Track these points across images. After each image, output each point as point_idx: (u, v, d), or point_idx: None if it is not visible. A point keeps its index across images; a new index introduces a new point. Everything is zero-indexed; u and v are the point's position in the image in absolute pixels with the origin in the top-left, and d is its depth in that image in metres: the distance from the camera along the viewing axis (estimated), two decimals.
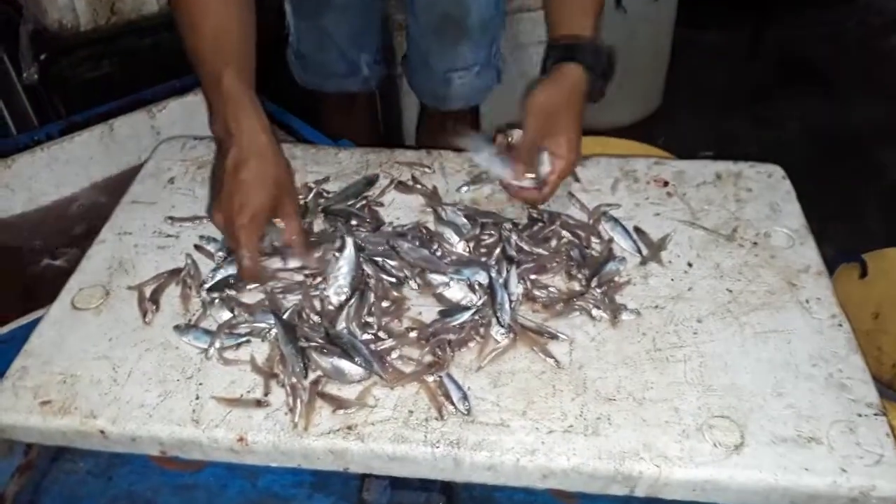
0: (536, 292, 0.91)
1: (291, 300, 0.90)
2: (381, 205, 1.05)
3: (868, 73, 3.01)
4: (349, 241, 0.92)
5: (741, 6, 3.31)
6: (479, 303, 0.88)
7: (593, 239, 0.99)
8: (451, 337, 0.85)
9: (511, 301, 0.87)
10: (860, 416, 0.78)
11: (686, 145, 2.61)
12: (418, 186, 1.07)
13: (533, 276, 0.92)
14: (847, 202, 2.28)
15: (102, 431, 0.78)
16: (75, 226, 1.36)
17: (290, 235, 0.89)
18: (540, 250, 0.96)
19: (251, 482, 0.82)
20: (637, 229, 1.00)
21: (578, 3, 1.03)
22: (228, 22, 0.91)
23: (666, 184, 1.08)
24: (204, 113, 1.54)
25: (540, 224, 1.00)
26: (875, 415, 0.78)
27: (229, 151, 0.86)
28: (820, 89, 2.94)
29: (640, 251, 0.97)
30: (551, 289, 0.91)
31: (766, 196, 1.06)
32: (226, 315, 0.88)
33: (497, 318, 0.85)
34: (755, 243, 0.98)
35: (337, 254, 0.92)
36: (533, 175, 0.97)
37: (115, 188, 1.10)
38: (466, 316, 0.86)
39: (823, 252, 0.98)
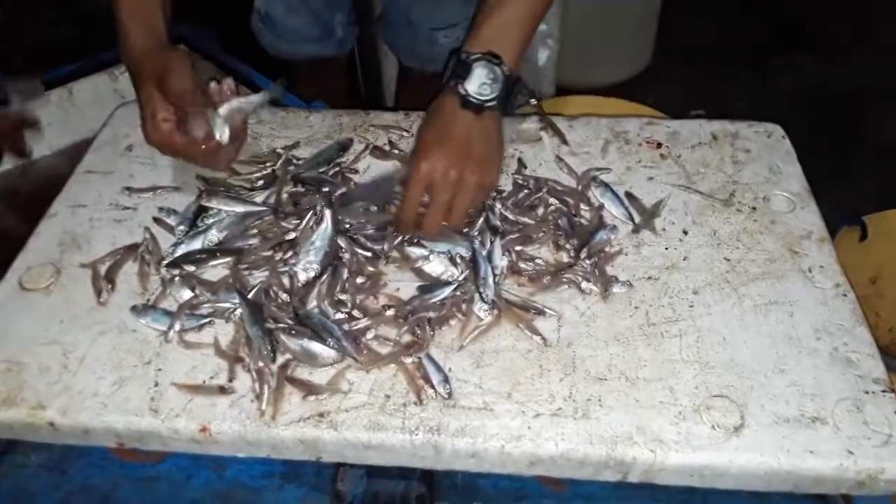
0: (522, 265, 0.85)
1: (258, 277, 0.84)
2: (356, 172, 0.98)
3: (863, 30, 2.93)
4: (327, 214, 0.85)
5: None
6: (461, 277, 0.82)
7: (582, 206, 0.92)
8: (431, 315, 0.79)
9: (495, 275, 0.81)
10: (867, 393, 0.73)
11: (676, 104, 2.54)
12: (395, 152, 0.99)
13: (518, 248, 0.86)
14: (840, 163, 2.22)
15: (52, 424, 0.72)
16: (31, 198, 1.28)
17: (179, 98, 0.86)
18: (526, 219, 0.89)
19: (217, 473, 0.77)
20: (629, 195, 0.94)
21: (507, 18, 0.87)
22: None
23: (659, 145, 1.01)
24: None
25: (526, 191, 0.93)
26: (883, 391, 0.73)
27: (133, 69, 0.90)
28: (813, 46, 2.86)
29: (632, 218, 0.91)
30: (538, 261, 0.85)
31: (765, 157, 0.99)
32: (187, 294, 0.81)
33: (480, 293, 0.79)
34: (754, 208, 0.92)
35: (314, 227, 0.85)
36: None
37: (77, 157, 1.02)
38: (447, 292, 0.80)
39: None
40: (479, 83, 0.84)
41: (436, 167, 0.82)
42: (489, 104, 0.84)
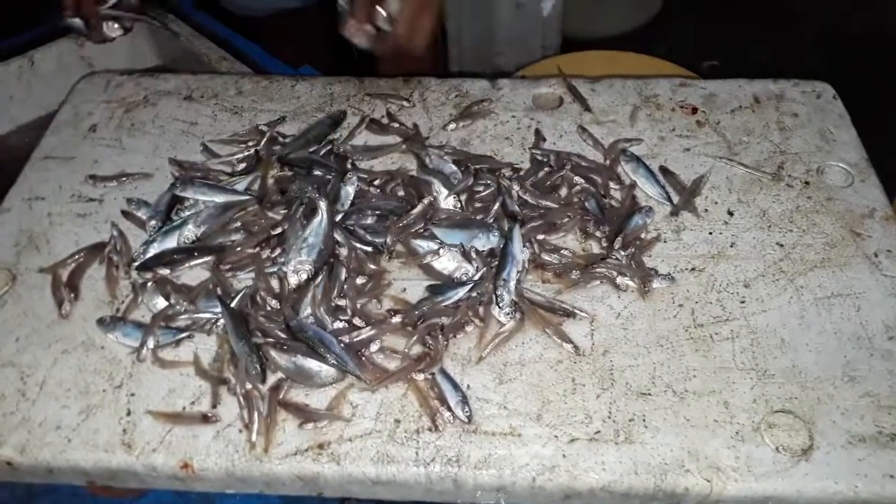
0: (546, 257, 0.73)
1: (243, 280, 0.73)
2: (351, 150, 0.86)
3: None
4: (322, 205, 0.73)
5: None
6: (477, 276, 0.71)
7: (612, 185, 0.81)
8: (445, 321, 0.68)
9: (517, 272, 0.70)
10: None
11: (690, 54, 2.39)
12: (395, 125, 0.87)
13: (541, 237, 0.75)
14: (877, 112, 2.08)
15: (9, 463, 0.62)
16: None
17: None
18: (548, 203, 0.78)
19: None
20: (664, 170, 0.82)
21: None
22: None
23: (695, 110, 0.89)
24: (141, 40, 1.34)
25: (546, 169, 0.81)
26: None
27: None
28: None
29: (669, 198, 0.79)
30: (564, 252, 0.74)
31: (815, 122, 0.88)
32: (161, 303, 0.70)
33: (497, 295, 0.68)
34: (807, 183, 0.81)
35: (305, 219, 0.74)
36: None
37: (38, 137, 0.90)
38: (462, 293, 0.69)
39: None
40: None
41: None
42: None
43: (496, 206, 0.76)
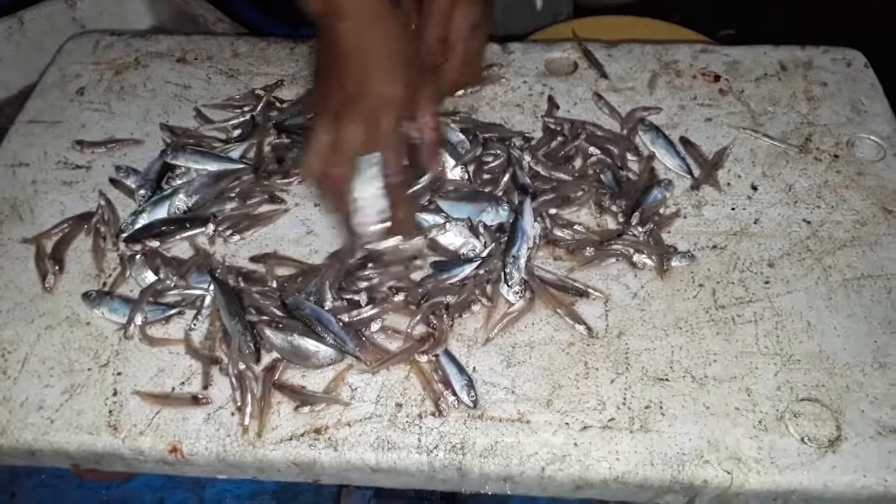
0: (558, 232, 0.69)
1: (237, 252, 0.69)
2: None
3: None
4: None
5: None
6: (485, 252, 0.67)
7: (629, 156, 0.76)
8: (450, 299, 0.64)
9: (527, 248, 0.66)
10: None
11: (705, 21, 2.31)
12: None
13: (553, 211, 0.71)
14: None
15: None
16: None
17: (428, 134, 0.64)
18: (561, 175, 0.73)
19: (196, 493, 0.64)
20: (684, 140, 0.78)
21: None
22: None
23: (717, 78, 0.84)
24: (138, 3, 1.29)
25: (560, 139, 0.77)
26: None
27: (336, 27, 0.60)
28: None
29: (689, 171, 0.75)
30: (577, 227, 0.70)
31: (845, 92, 0.82)
32: (150, 277, 0.67)
33: (506, 273, 0.64)
34: (836, 156, 0.76)
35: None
36: None
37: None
38: (468, 270, 0.65)
39: None
40: None
41: None
42: None
43: (506, 178, 0.72)
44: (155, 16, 1.28)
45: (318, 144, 0.61)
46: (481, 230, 0.68)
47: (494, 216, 0.69)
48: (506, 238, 0.67)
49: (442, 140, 0.69)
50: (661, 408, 0.59)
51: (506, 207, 0.69)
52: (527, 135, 0.78)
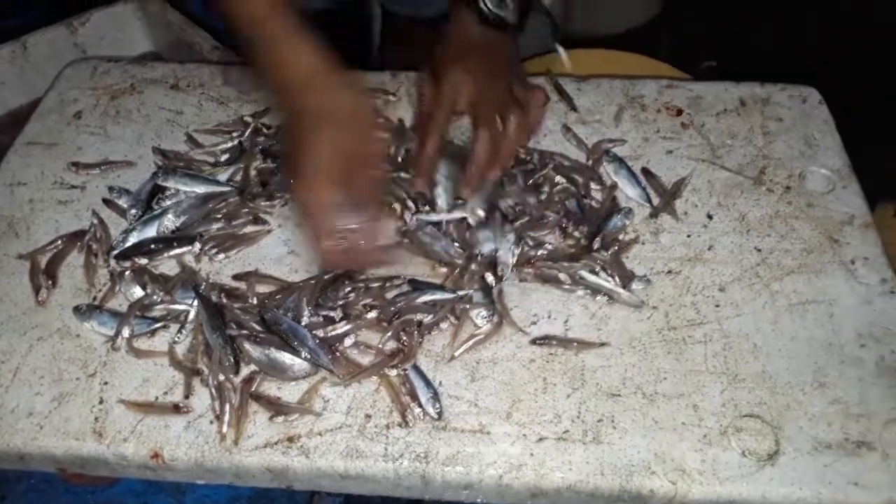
0: (532, 252, 0.74)
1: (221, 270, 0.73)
2: None
3: None
4: None
5: None
6: (470, 278, 0.71)
7: (593, 185, 0.81)
8: (421, 318, 0.68)
9: (500, 278, 0.71)
10: None
11: (689, 53, 2.38)
12: (380, 121, 0.87)
13: (531, 234, 0.75)
14: (889, 116, 2.07)
15: None
16: None
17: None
18: (530, 201, 0.78)
19: (177, 498, 0.68)
20: (646, 171, 0.82)
21: None
22: None
23: (680, 112, 0.89)
24: (135, 25, 1.34)
25: (529, 167, 0.81)
26: None
27: (295, 111, 0.65)
28: None
29: (649, 200, 0.79)
30: (547, 245, 0.74)
31: (799, 127, 0.88)
32: (138, 292, 0.71)
33: (486, 304, 0.68)
34: (788, 188, 0.81)
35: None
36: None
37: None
38: (444, 296, 0.69)
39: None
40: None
41: (464, 81, 0.74)
42: (508, 18, 0.77)
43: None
44: (153, 42, 1.34)
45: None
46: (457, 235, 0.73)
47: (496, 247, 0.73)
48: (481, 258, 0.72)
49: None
50: (612, 421, 0.63)
51: (511, 238, 0.73)
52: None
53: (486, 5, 0.76)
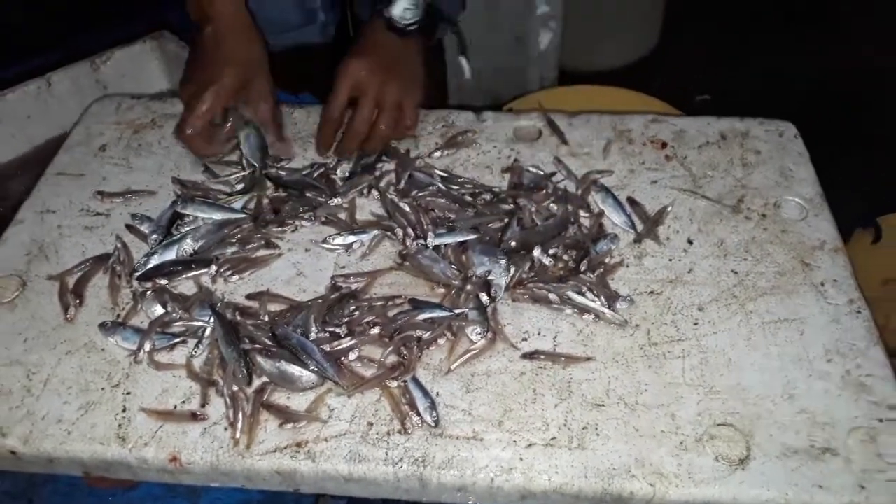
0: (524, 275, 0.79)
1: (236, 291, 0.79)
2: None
3: (881, 11, 2.82)
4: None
5: None
6: (466, 297, 0.76)
7: (581, 213, 0.87)
8: (420, 334, 0.74)
9: (494, 298, 0.76)
10: (881, 421, 0.68)
11: (684, 88, 2.46)
12: (384, 158, 0.94)
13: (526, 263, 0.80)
14: (864, 147, 2.13)
15: (13, 452, 0.68)
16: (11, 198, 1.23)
17: (261, 115, 0.91)
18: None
19: (192, 501, 0.73)
20: (631, 200, 0.88)
21: None
22: None
23: (664, 145, 0.95)
24: (154, 64, 1.42)
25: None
26: None
27: (204, 31, 0.89)
28: (829, 25, 2.76)
29: (633, 227, 0.85)
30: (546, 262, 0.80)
31: (776, 159, 0.94)
32: (159, 310, 0.77)
33: (480, 322, 0.74)
34: (764, 215, 0.87)
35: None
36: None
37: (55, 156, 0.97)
38: (440, 314, 0.75)
39: (833, 209, 0.87)
40: (402, 8, 0.90)
41: (360, 76, 0.88)
42: (411, 27, 0.91)
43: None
44: (170, 79, 1.41)
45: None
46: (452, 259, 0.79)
47: (490, 270, 0.79)
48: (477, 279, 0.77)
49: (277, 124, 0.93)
50: (596, 429, 0.68)
51: (503, 263, 0.79)
52: (495, 189, 0.89)
53: (391, 15, 0.90)
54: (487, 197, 0.87)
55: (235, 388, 0.70)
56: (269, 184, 0.90)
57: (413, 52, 0.93)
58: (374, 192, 0.89)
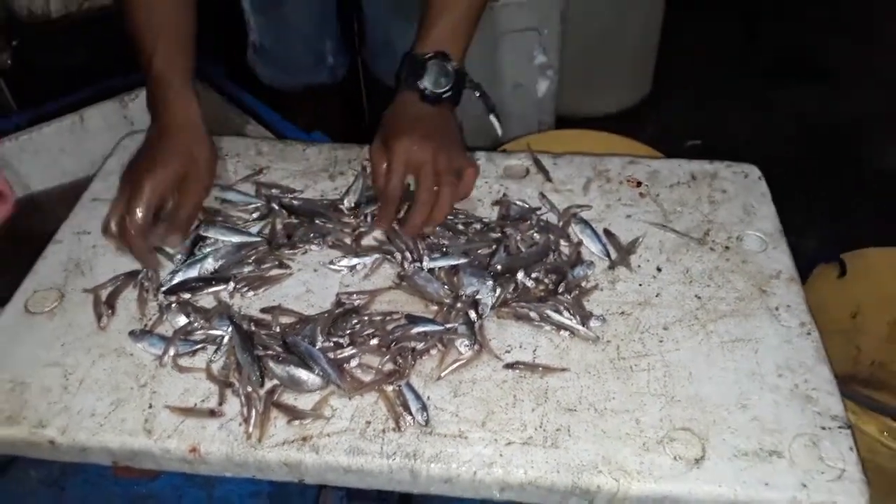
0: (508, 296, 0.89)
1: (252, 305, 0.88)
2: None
3: (862, 62, 2.98)
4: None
5: None
6: (456, 314, 0.86)
7: (562, 242, 0.97)
8: (413, 345, 0.83)
9: (480, 315, 0.86)
10: (824, 429, 0.76)
11: (675, 133, 2.59)
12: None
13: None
14: (838, 193, 2.25)
15: (52, 441, 0.76)
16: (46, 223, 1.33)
17: (174, 209, 0.91)
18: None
19: (207, 491, 0.81)
20: (607, 232, 0.98)
21: (450, 22, 1.01)
22: (164, 5, 0.95)
23: (639, 184, 1.06)
24: None
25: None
26: (839, 428, 0.76)
27: (151, 131, 0.94)
28: (814, 75, 2.90)
29: (608, 255, 0.95)
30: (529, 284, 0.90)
31: (740, 197, 1.04)
32: (182, 320, 0.86)
33: (468, 336, 0.83)
34: (727, 247, 0.96)
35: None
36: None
37: (87, 184, 1.07)
38: (434, 329, 0.84)
39: (808, 246, 0.96)
40: (434, 79, 0.98)
41: (413, 151, 0.93)
42: (445, 96, 0.98)
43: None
44: None
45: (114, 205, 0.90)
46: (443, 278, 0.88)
47: (478, 290, 0.88)
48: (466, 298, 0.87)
49: (182, 225, 0.93)
50: (568, 430, 0.76)
51: (490, 285, 0.88)
52: (485, 220, 0.99)
53: (426, 86, 0.98)
54: (478, 226, 0.97)
55: (249, 388, 0.78)
56: (283, 212, 1.00)
57: (448, 117, 1.01)
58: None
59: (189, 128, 0.94)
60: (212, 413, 0.77)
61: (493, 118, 1.10)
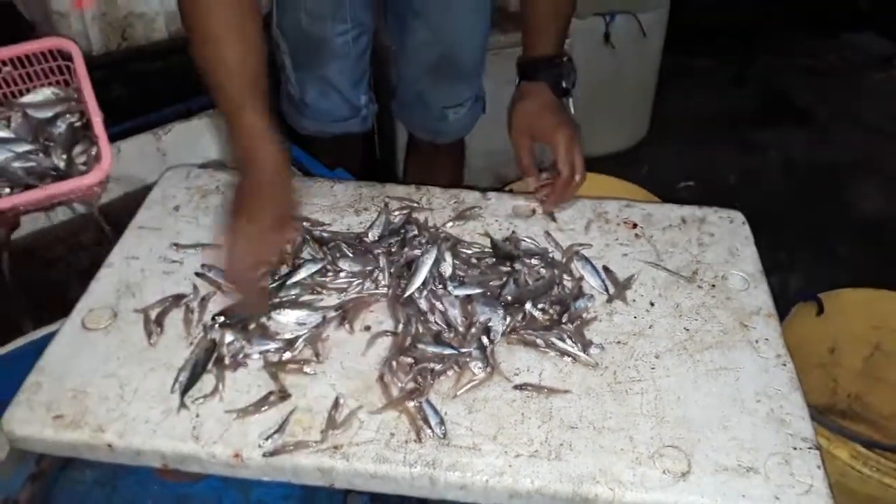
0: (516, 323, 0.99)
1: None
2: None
3: (847, 108, 3.13)
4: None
5: (728, 36, 3.44)
6: (470, 339, 0.96)
7: (565, 277, 1.07)
8: (434, 366, 0.93)
9: (492, 342, 0.96)
10: (796, 449, 0.86)
11: (669, 173, 2.72)
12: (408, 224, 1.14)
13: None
14: (821, 232, 2.37)
15: (110, 445, 0.86)
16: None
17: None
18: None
19: (244, 494, 0.90)
20: (606, 268, 1.09)
21: (544, 30, 1.23)
22: (248, 55, 0.96)
23: (635, 226, 1.17)
24: (207, 136, 1.65)
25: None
26: (809, 448, 0.86)
27: (246, 179, 0.95)
28: (801, 121, 3.06)
29: (607, 289, 1.05)
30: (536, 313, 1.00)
31: (726, 240, 1.15)
32: (227, 339, 0.96)
33: (482, 359, 0.93)
34: (713, 285, 1.07)
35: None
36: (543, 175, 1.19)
37: (124, 208, 1.17)
38: (451, 352, 0.94)
39: (791, 282, 1.07)
40: (570, 77, 1.24)
41: (564, 128, 1.15)
42: (570, 88, 1.25)
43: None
44: (220, 149, 1.64)
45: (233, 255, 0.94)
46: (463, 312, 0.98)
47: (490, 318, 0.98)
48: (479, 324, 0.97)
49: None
50: (570, 445, 0.86)
51: (501, 313, 0.98)
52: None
53: (563, 82, 1.22)
54: (490, 261, 1.08)
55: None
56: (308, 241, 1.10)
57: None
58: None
59: (286, 180, 0.98)
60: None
61: (536, 212, 1.21)
